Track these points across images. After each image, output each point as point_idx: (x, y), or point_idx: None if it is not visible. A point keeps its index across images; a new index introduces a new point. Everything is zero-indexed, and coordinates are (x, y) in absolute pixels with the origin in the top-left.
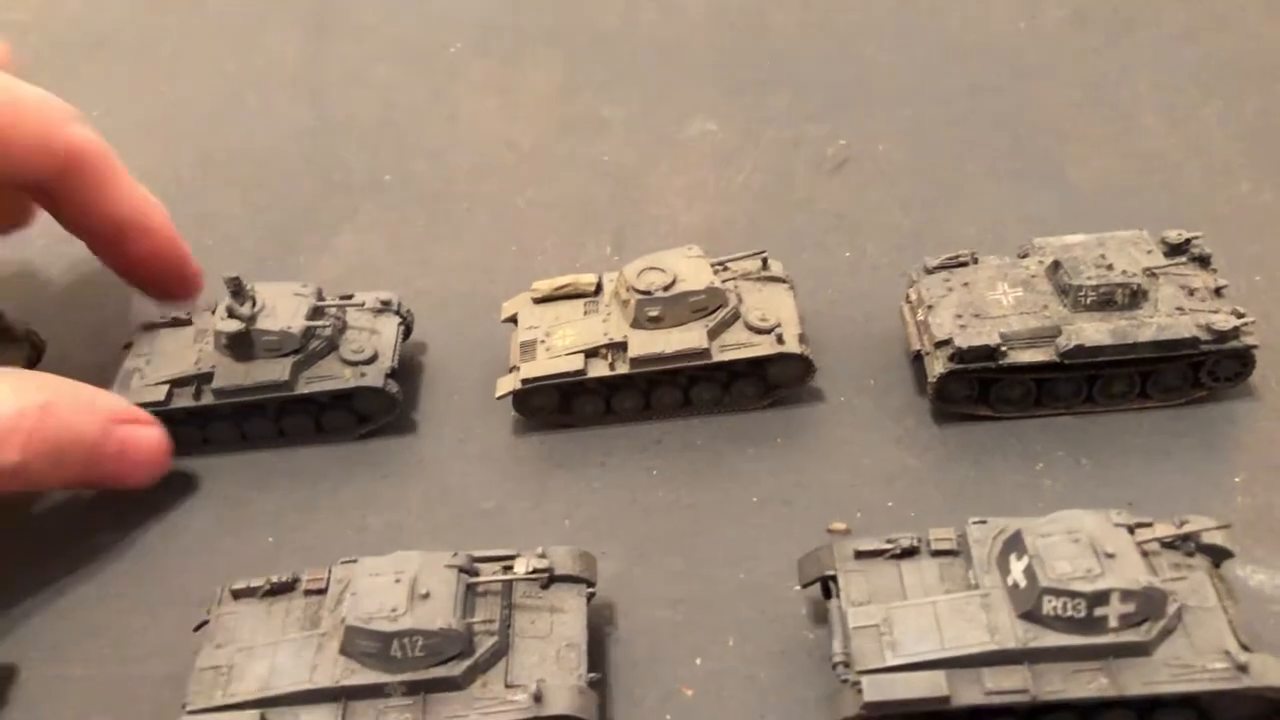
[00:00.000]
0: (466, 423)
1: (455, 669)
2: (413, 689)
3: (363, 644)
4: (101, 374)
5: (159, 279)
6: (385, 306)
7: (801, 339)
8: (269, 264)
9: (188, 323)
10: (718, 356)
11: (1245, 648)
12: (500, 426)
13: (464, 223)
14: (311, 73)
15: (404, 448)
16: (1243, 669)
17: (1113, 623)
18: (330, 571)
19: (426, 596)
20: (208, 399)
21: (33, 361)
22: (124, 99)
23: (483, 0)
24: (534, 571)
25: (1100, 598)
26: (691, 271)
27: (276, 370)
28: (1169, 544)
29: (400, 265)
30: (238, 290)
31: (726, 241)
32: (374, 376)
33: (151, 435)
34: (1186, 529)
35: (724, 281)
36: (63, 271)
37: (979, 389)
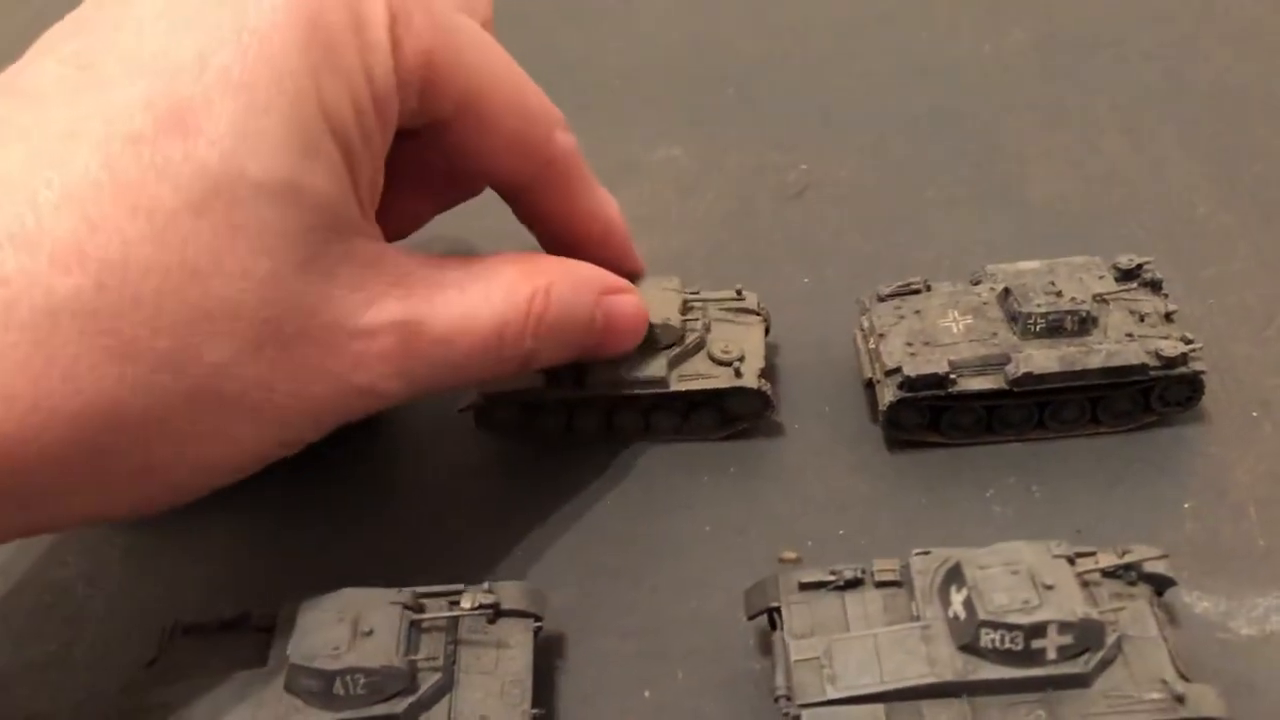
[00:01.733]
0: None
1: (397, 706)
2: None
3: (306, 683)
4: None
5: None
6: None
7: (763, 374)
8: None
9: None
10: (675, 386)
11: (1184, 677)
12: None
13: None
14: None
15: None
16: (1179, 699)
17: (1051, 654)
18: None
19: (370, 634)
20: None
21: None
22: None
23: None
24: (479, 607)
25: (1038, 630)
26: (656, 303)
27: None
28: (1111, 573)
29: None
30: None
31: (687, 269)
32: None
33: (633, 303)
34: (1127, 558)
35: (691, 313)
36: None
37: (930, 416)
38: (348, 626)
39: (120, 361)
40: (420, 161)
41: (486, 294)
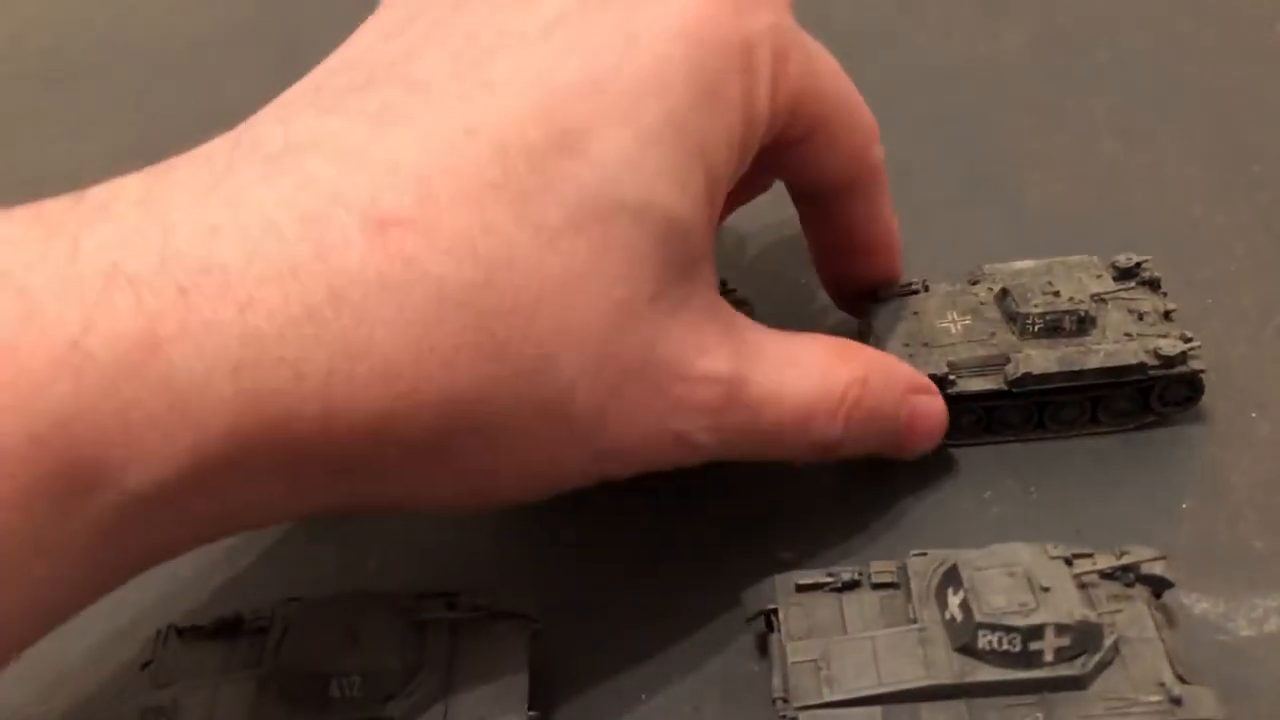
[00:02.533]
0: None
1: (394, 709)
2: None
3: (301, 685)
4: None
5: (858, 285)
6: None
7: None
8: None
9: None
10: None
11: (1182, 679)
12: None
13: None
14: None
15: None
16: (1176, 701)
17: (1048, 656)
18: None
19: (365, 636)
20: None
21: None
22: (92, 132)
23: None
24: (476, 609)
25: (1035, 632)
26: None
27: None
28: (1109, 575)
29: None
30: None
31: None
32: None
33: (938, 405)
34: (1125, 560)
35: None
36: None
37: None
38: (343, 628)
39: (492, 361)
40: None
41: (805, 370)
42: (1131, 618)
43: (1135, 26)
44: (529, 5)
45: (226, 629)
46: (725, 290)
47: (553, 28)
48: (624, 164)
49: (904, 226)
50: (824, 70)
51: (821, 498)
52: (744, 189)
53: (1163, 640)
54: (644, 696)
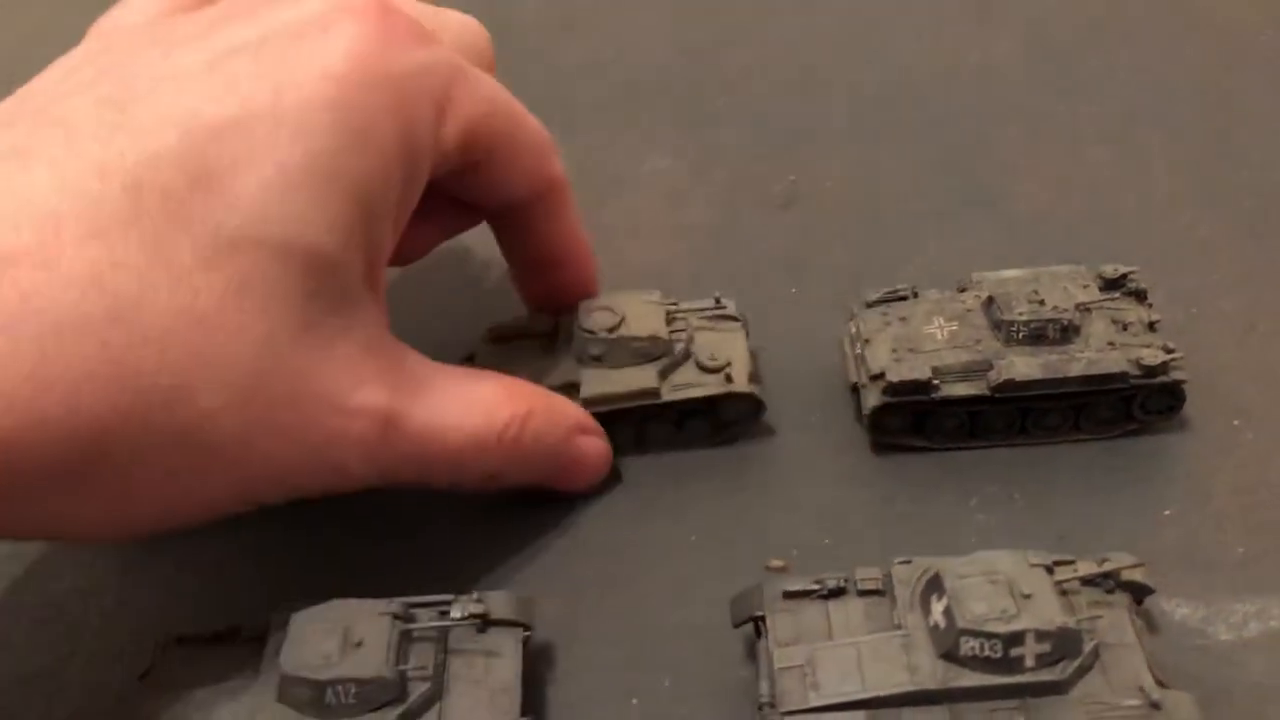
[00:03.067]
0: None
1: (387, 716)
2: None
3: (298, 693)
4: None
5: (560, 297)
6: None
7: (752, 377)
8: None
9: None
10: (667, 396)
11: (1161, 684)
12: None
13: (424, 268)
14: None
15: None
16: (1155, 706)
17: (1029, 662)
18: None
19: (360, 644)
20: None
21: None
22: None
23: None
24: (469, 616)
25: (1016, 638)
26: (641, 316)
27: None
28: (1089, 582)
29: None
30: None
31: (676, 279)
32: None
33: (600, 446)
34: (1105, 567)
35: (677, 323)
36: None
37: (914, 421)
38: (338, 637)
39: (123, 392)
40: (431, 195)
41: (468, 407)
42: (1112, 623)
43: (1123, 35)
44: (200, 43)
45: (224, 638)
46: (716, 306)
47: (214, 67)
48: (264, 203)
49: (892, 234)
50: (491, 97)
51: (809, 505)
52: (450, 219)
53: (1142, 646)
54: (634, 701)
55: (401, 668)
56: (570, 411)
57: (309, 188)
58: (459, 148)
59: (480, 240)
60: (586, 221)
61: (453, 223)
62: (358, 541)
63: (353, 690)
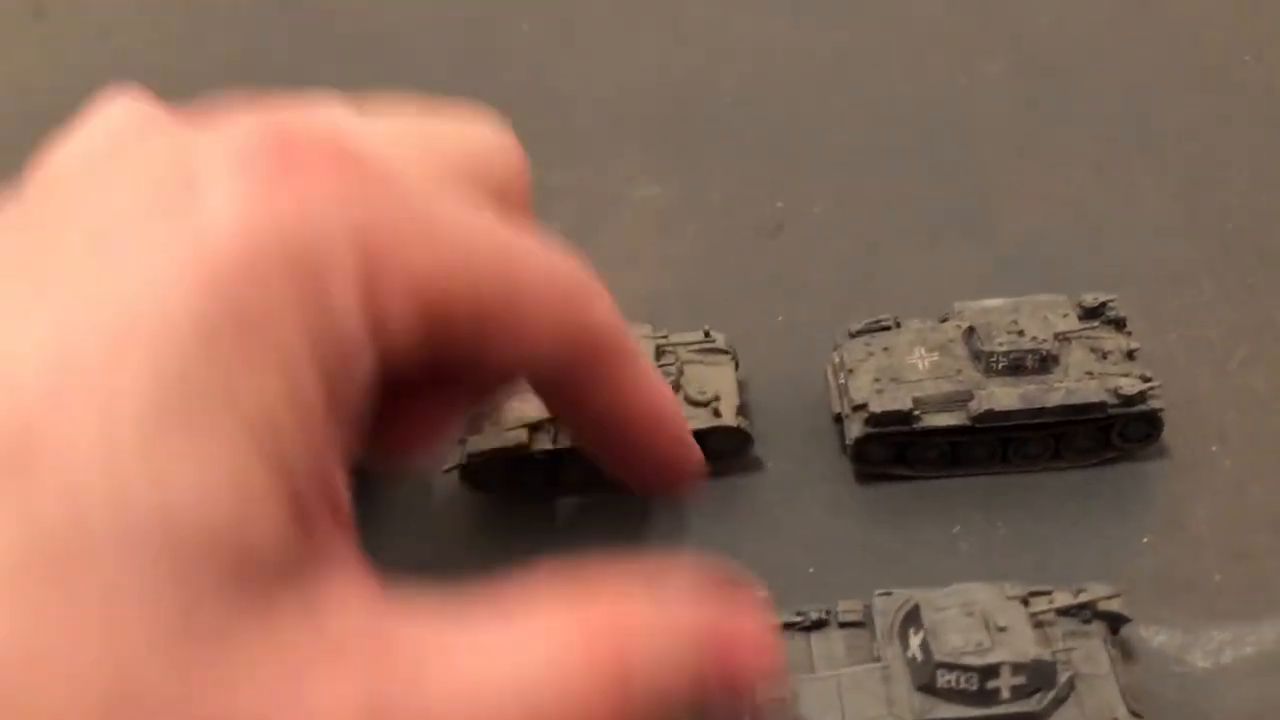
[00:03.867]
0: None
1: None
2: None
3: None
4: None
5: (654, 471)
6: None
7: (740, 411)
8: None
9: None
10: None
11: (1136, 714)
12: None
13: None
14: None
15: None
16: None
17: (1005, 694)
18: None
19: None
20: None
21: None
22: None
23: (441, 68)
24: None
25: (991, 671)
26: None
27: None
28: (1066, 612)
29: None
30: None
31: (665, 308)
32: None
33: (758, 646)
34: (1081, 598)
35: (666, 356)
36: None
37: (897, 451)
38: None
39: None
40: (434, 371)
41: (515, 669)
42: (1087, 654)
43: (1107, 59)
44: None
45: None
46: (705, 339)
47: (43, 287)
48: (102, 476)
49: (880, 260)
50: (465, 239)
51: (794, 534)
52: (462, 392)
53: (1117, 676)
54: None
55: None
56: (695, 614)
57: (168, 439)
58: (419, 316)
59: None
60: (578, 246)
61: (470, 394)
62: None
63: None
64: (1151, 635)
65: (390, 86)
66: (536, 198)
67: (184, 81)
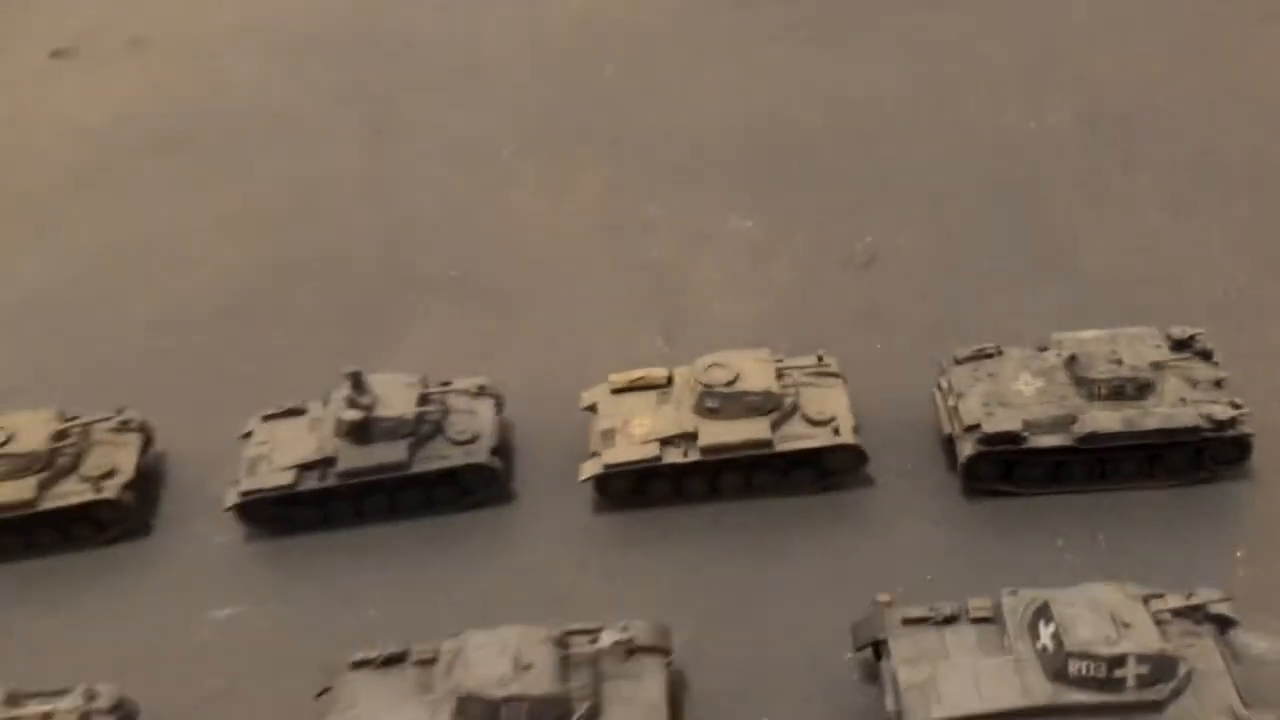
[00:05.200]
0: (546, 500)
1: None
2: None
3: (474, 710)
4: (217, 461)
5: None
6: (481, 391)
7: (855, 430)
8: (349, 355)
9: (302, 412)
10: (779, 447)
11: (1246, 706)
12: (578, 504)
13: (525, 317)
14: (374, 175)
15: (497, 520)
16: None
17: (1130, 682)
18: (441, 644)
19: (529, 667)
20: (331, 481)
21: (145, 447)
22: (199, 198)
23: (531, 103)
24: (618, 643)
25: (1119, 661)
26: (754, 373)
27: (395, 452)
28: (1179, 613)
29: (470, 357)
30: (358, 382)
31: (764, 334)
32: (480, 454)
33: None
34: (1194, 600)
35: (784, 378)
36: (165, 365)
37: (1004, 468)
38: (509, 659)
39: None
40: None
41: None
42: (1201, 652)
43: (1172, 106)
44: None
45: (395, 660)
46: (819, 363)
47: None
48: None
49: (965, 292)
50: None
51: (909, 545)
52: None
53: (1230, 671)
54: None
55: (566, 686)
56: None
57: None
58: None
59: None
60: (677, 275)
61: None
62: (497, 576)
63: (525, 709)
64: (1251, 641)
65: (482, 119)
66: (634, 228)
67: (282, 108)
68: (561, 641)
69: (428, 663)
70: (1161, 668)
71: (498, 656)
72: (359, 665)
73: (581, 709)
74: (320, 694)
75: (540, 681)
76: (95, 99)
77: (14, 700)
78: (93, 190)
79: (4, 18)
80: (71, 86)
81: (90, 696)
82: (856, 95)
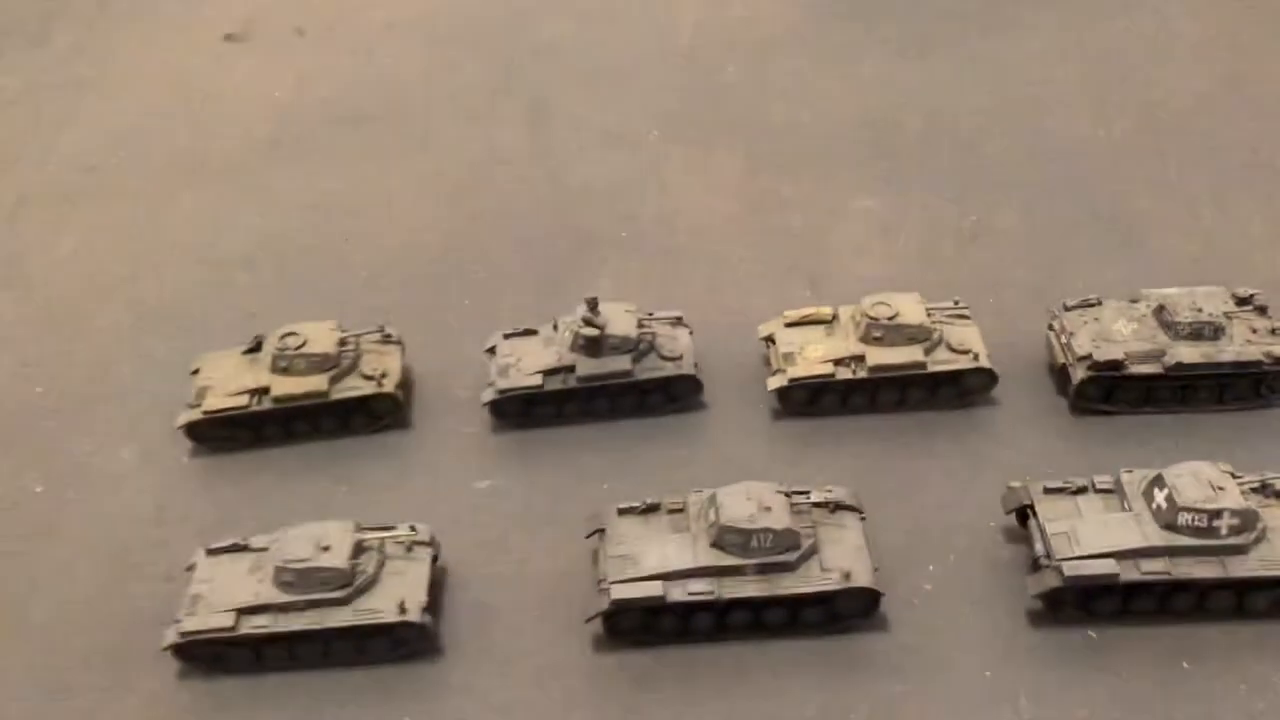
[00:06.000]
0: (732, 409)
1: (791, 557)
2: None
3: (731, 539)
4: (452, 374)
5: None
6: (678, 320)
7: (989, 358)
8: (545, 298)
9: (534, 333)
10: (931, 368)
11: None
12: (758, 414)
13: (690, 271)
14: (537, 152)
15: (695, 422)
16: None
17: (1224, 531)
18: (688, 498)
19: (768, 509)
20: (571, 384)
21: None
22: (384, 166)
23: (667, 97)
24: (826, 500)
25: (1217, 514)
26: (910, 310)
27: (621, 363)
28: (1256, 489)
29: (646, 303)
30: (594, 307)
31: (900, 287)
32: (687, 366)
33: None
34: (1268, 476)
35: (931, 316)
36: (389, 300)
37: (1105, 392)
38: (755, 504)
39: None
40: None
41: None
42: (1271, 514)
43: (1217, 116)
44: None
45: (651, 510)
46: (955, 306)
47: None
48: None
49: (1056, 262)
50: None
51: (1030, 451)
52: None
53: None
54: (930, 568)
55: (797, 524)
56: None
57: None
58: None
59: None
60: (815, 241)
61: None
62: (692, 464)
63: (769, 538)
64: None
65: (624, 111)
66: (773, 205)
67: (444, 94)
68: (785, 495)
69: (677, 511)
70: (1247, 520)
71: (745, 501)
72: (624, 512)
73: (807, 543)
74: (591, 534)
75: (780, 518)
76: (272, 79)
77: (360, 529)
78: (289, 157)
79: (178, 4)
80: (248, 67)
81: (412, 528)
82: (947, 104)
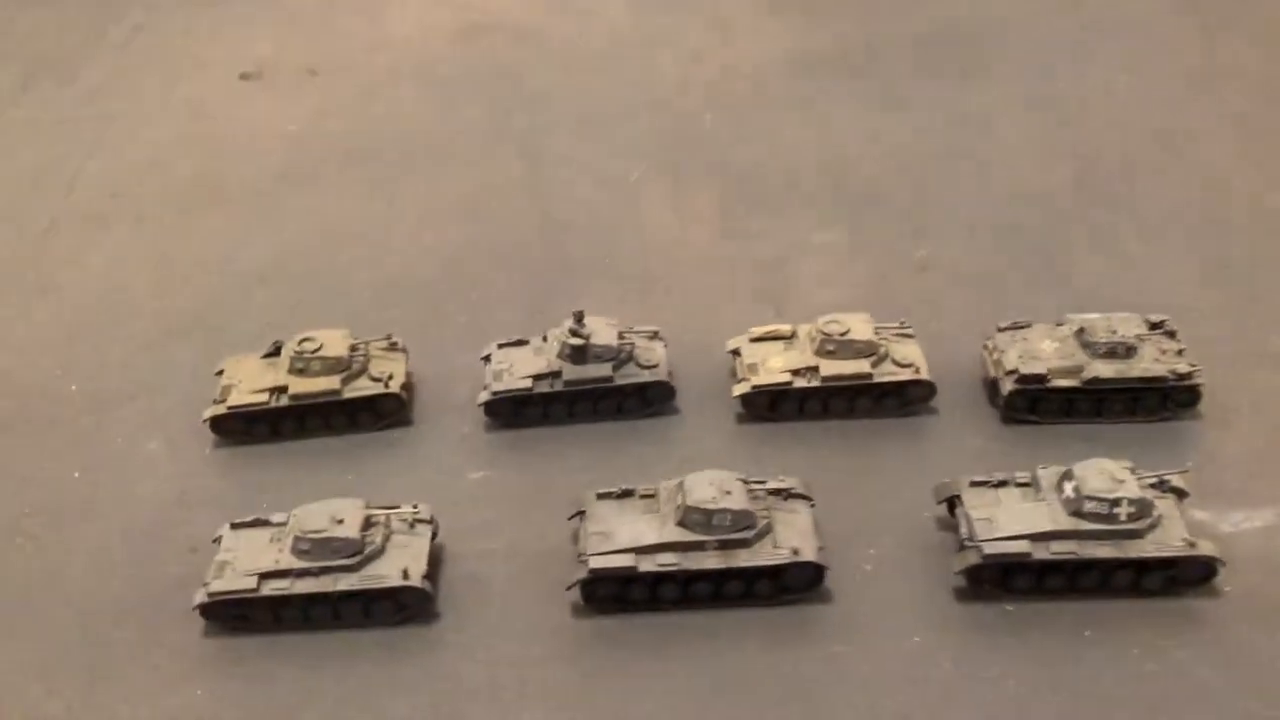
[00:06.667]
0: (700, 414)
1: (749, 534)
2: None
3: (695, 518)
4: (449, 381)
5: None
6: (654, 335)
7: (929, 372)
8: (534, 316)
9: (525, 343)
10: (877, 379)
11: (1189, 542)
12: (724, 419)
13: (666, 295)
14: (527, 188)
15: (667, 425)
16: (1192, 545)
17: (1123, 517)
18: (658, 485)
19: (729, 493)
20: (558, 387)
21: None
22: (388, 197)
23: (648, 141)
24: (779, 487)
25: (1116, 503)
26: (859, 328)
27: (603, 370)
28: (1152, 484)
29: (626, 321)
30: (580, 319)
31: (850, 312)
32: (661, 374)
33: None
34: (1162, 474)
35: (881, 333)
36: (391, 317)
37: (1030, 403)
38: (716, 488)
39: None
40: None
41: None
42: (1165, 506)
43: (1144, 169)
44: None
45: (626, 494)
46: (901, 326)
47: None
48: None
49: (994, 290)
50: None
51: (964, 451)
52: None
53: (1182, 518)
54: (871, 551)
55: (753, 506)
56: None
57: None
58: None
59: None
60: (779, 271)
61: None
62: (664, 462)
63: (729, 518)
64: (1196, 513)
65: (609, 154)
66: (742, 237)
67: (441, 135)
68: (744, 482)
69: (649, 496)
70: (1143, 509)
71: (708, 486)
72: (602, 496)
73: (762, 524)
74: (573, 515)
75: (739, 501)
76: (285, 115)
77: (369, 506)
78: (299, 187)
79: (197, 45)
80: (263, 104)
81: (415, 507)
82: (904, 150)
